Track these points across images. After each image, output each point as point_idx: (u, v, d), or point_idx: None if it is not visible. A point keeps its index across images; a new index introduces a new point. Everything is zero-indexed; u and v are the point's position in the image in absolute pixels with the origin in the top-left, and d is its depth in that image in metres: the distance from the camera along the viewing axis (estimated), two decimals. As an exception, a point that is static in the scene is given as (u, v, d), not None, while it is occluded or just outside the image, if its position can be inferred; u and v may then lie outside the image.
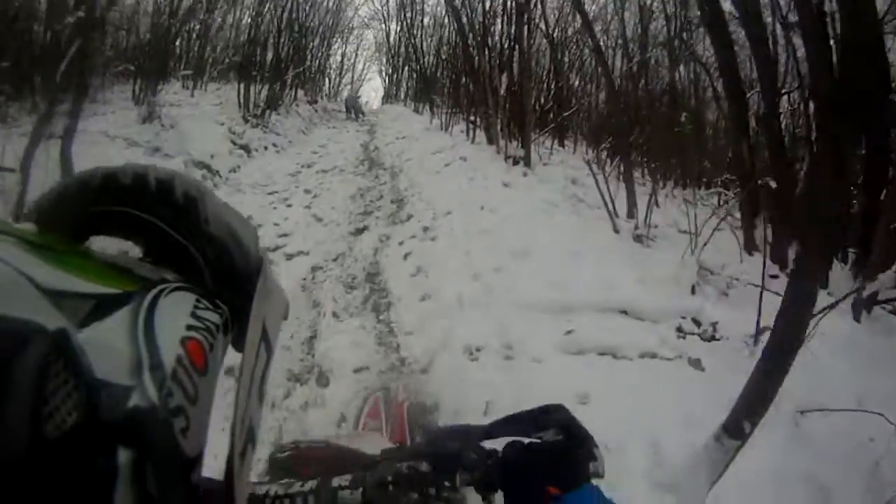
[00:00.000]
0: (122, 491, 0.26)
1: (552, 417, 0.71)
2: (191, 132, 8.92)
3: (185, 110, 10.56)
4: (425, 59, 19.55)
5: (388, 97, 24.29)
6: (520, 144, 7.96)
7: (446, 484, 0.72)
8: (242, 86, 12.01)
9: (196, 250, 0.39)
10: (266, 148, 11.02)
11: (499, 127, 8.38)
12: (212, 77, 14.94)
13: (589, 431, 0.69)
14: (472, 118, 10.25)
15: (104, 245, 0.38)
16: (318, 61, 21.20)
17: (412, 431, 1.67)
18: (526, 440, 0.71)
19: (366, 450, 0.91)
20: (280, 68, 14.64)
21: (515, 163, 7.87)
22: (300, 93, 18.38)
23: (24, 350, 0.23)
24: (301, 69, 17.19)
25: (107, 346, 0.29)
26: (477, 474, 0.71)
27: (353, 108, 19.57)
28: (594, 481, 0.66)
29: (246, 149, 9.99)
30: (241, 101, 11.76)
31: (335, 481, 0.73)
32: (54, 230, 0.36)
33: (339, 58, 25.43)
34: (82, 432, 0.25)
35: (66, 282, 0.30)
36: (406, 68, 22.18)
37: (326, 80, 24.52)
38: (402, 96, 22.85)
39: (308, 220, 6.47)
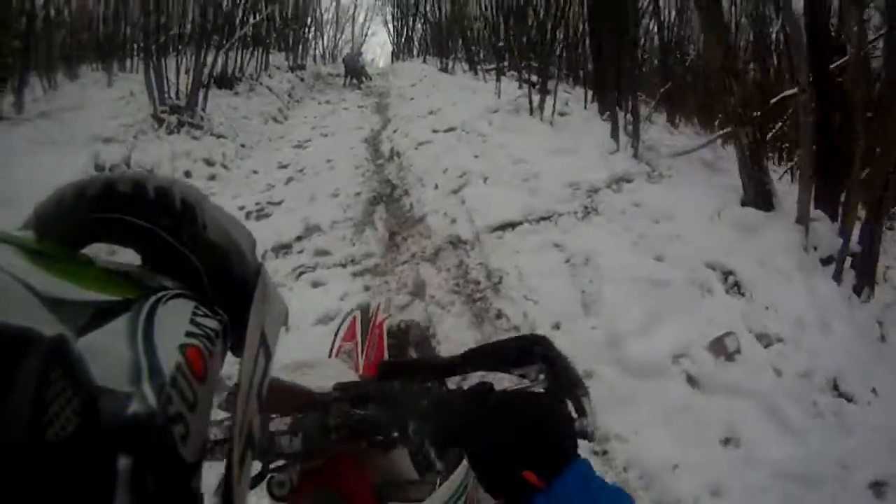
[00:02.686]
0: (121, 498, 0.27)
1: (535, 351, 0.64)
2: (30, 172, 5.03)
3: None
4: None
5: (399, 53, 20.76)
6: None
7: (394, 434, 0.63)
8: (152, 64, 7.91)
9: (194, 257, 0.40)
10: (186, 175, 6.76)
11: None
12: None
13: (577, 371, 0.62)
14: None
15: (103, 253, 0.38)
16: (300, 13, 17.57)
17: (391, 353, 1.63)
18: (495, 382, 0.62)
19: (322, 384, 0.77)
20: (223, 28, 10.51)
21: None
22: (275, 58, 14.60)
23: (24, 357, 0.24)
24: (258, 21, 12.62)
25: (106, 353, 0.29)
26: (428, 424, 0.61)
27: (354, 71, 15.65)
28: (582, 446, 0.59)
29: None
30: (153, 89, 7.83)
31: (272, 426, 0.67)
32: (53, 238, 0.37)
33: (332, 10, 22.55)
34: (82, 439, 0.26)
35: (65, 289, 0.30)
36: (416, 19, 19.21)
37: (320, 38, 21.51)
38: (416, 51, 19.78)
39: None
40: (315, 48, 20.25)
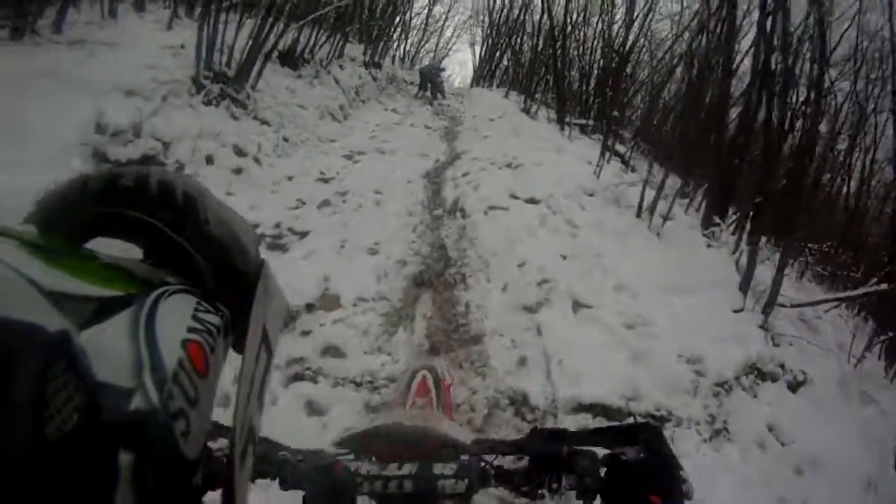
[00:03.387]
0: (122, 493, 0.27)
1: (642, 435, 0.72)
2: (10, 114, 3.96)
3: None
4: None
5: (480, 79, 20.17)
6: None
7: (553, 485, 0.73)
8: (209, 17, 6.50)
9: (196, 252, 0.40)
10: (207, 162, 5.56)
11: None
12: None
13: (677, 457, 0.71)
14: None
15: (105, 247, 0.39)
16: (391, 9, 16.34)
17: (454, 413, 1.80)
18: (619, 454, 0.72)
19: (439, 429, 0.87)
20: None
21: None
22: (352, 49, 13.27)
23: (26, 352, 0.24)
24: (341, 3, 10.89)
25: (108, 348, 0.30)
26: (585, 479, 0.72)
27: (431, 83, 14.45)
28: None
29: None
30: (202, 47, 6.45)
31: (437, 468, 0.76)
32: (56, 232, 0.38)
33: (423, 15, 21.12)
34: (83, 434, 0.26)
35: (68, 284, 0.31)
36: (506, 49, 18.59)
37: (404, 39, 20.38)
38: (497, 82, 18.97)
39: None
40: (397, 49, 19.22)
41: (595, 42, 13.68)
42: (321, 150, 7.33)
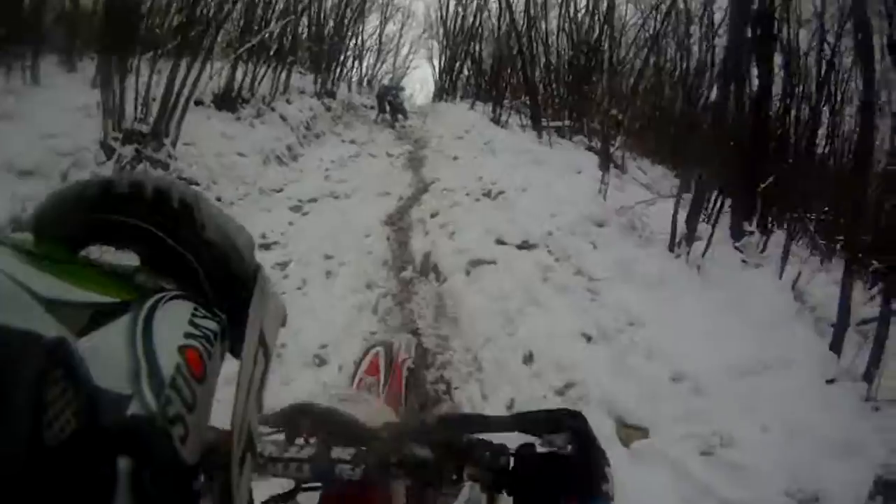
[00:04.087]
0: (121, 499, 0.27)
1: (568, 423, 0.67)
2: None
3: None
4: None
5: (442, 92, 18.82)
6: None
7: (453, 477, 0.68)
8: (106, 67, 5.71)
9: (193, 258, 0.40)
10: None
11: None
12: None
13: (602, 448, 0.65)
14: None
15: (102, 254, 0.39)
16: (339, 34, 15.73)
17: (408, 395, 1.70)
18: (537, 443, 0.68)
19: (362, 415, 0.83)
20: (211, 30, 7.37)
21: None
22: (301, 80, 12.29)
23: (24, 359, 0.24)
24: (272, 31, 9.92)
25: (105, 354, 0.30)
26: (487, 472, 0.67)
27: (390, 104, 13.31)
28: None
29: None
30: (109, 104, 5.51)
31: (335, 453, 0.71)
32: (52, 239, 0.38)
33: (375, 36, 20.58)
34: (81, 441, 0.26)
35: (64, 291, 0.31)
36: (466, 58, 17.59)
37: (358, 63, 19.76)
38: (461, 94, 17.68)
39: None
40: (351, 74, 18.16)
41: (560, 34, 12.56)
42: (262, 206, 5.98)
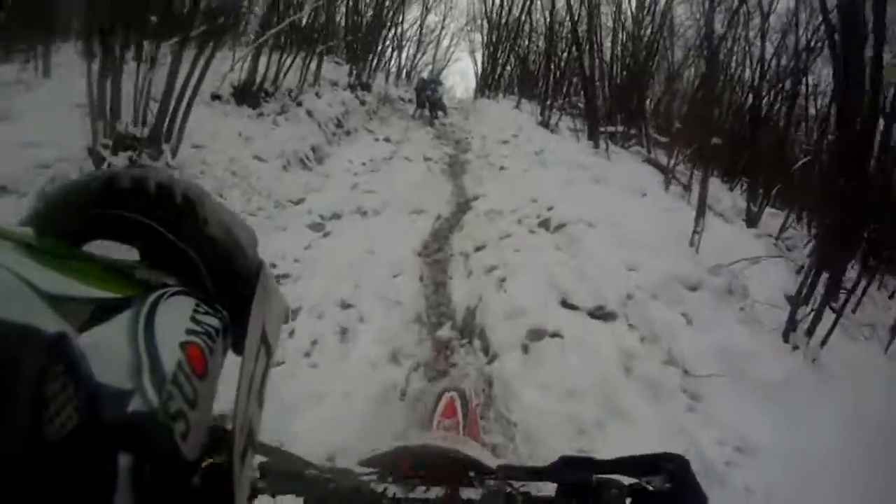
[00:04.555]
0: (122, 495, 0.27)
1: (668, 466, 0.67)
2: None
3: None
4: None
5: (485, 88, 17.95)
6: None
7: None
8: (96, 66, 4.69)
9: (195, 253, 0.39)
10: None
11: None
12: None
13: (703, 490, 0.65)
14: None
15: (103, 249, 0.38)
16: (379, 23, 14.69)
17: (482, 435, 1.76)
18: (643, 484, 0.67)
19: (465, 451, 0.85)
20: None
21: None
22: (335, 71, 11.38)
23: (25, 354, 0.23)
24: (296, 18, 8.77)
25: (107, 350, 0.29)
26: None
27: (428, 99, 12.08)
28: None
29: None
30: (97, 104, 4.67)
31: (465, 493, 0.74)
32: (53, 234, 0.36)
33: (416, 26, 19.40)
34: (82, 436, 0.25)
35: (66, 286, 0.30)
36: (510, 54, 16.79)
37: (397, 54, 18.74)
38: (503, 90, 16.94)
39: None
40: (389, 65, 17.30)
41: (616, 29, 11.39)
42: (278, 223, 5.10)
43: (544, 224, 4.67)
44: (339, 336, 3.30)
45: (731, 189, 8.45)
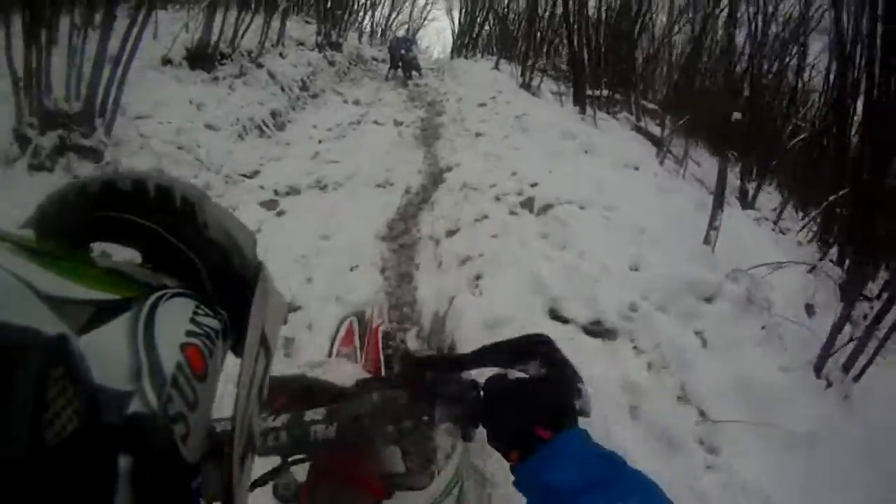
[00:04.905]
0: (122, 497, 0.27)
1: (536, 349, 0.68)
2: None
3: None
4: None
5: (462, 48, 17.18)
6: None
7: (424, 417, 0.68)
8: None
9: (195, 255, 0.40)
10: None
11: None
12: None
13: (574, 365, 0.66)
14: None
15: (104, 251, 0.38)
16: None
17: (387, 358, 1.62)
18: (508, 372, 0.68)
19: (338, 380, 0.84)
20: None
21: None
22: (302, 30, 10.59)
23: (25, 357, 0.23)
24: None
25: (107, 352, 0.29)
26: (457, 408, 0.67)
27: (402, 59, 11.49)
28: (581, 419, 0.64)
29: None
30: (23, 79, 3.94)
31: (308, 415, 0.70)
32: (54, 236, 0.37)
33: None
34: (82, 438, 0.25)
35: (66, 288, 0.30)
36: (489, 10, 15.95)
37: (371, 13, 18.42)
38: (481, 50, 16.46)
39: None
40: (362, 24, 16.88)
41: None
42: (227, 201, 4.37)
43: (527, 204, 4.03)
44: (281, 349, 2.69)
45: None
